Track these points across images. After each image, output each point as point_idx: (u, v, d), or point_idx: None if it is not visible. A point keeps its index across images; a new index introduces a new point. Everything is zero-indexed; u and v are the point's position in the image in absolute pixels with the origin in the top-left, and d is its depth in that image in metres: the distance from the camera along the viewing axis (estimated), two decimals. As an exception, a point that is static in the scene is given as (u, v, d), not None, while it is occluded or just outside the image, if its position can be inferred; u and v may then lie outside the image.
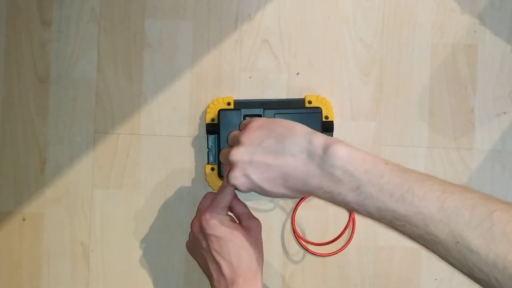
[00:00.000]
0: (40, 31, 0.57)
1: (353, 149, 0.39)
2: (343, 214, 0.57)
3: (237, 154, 0.43)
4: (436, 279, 0.58)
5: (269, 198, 0.57)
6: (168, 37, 0.57)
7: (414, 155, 0.58)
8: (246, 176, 0.42)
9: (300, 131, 0.42)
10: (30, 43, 0.57)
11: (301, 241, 0.57)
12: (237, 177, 0.43)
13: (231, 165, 0.43)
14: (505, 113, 0.58)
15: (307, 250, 0.57)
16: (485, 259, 0.34)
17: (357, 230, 0.58)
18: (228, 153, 0.44)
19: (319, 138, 0.40)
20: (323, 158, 0.39)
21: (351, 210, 0.40)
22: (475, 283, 0.36)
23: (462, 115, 0.58)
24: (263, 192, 0.43)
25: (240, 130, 0.48)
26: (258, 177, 0.42)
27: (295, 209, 0.57)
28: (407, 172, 0.38)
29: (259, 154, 0.42)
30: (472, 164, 0.58)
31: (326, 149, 0.39)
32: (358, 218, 0.57)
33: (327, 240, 0.57)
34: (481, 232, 0.34)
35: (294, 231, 0.57)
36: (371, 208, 0.38)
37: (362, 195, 0.38)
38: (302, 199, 0.57)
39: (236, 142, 0.44)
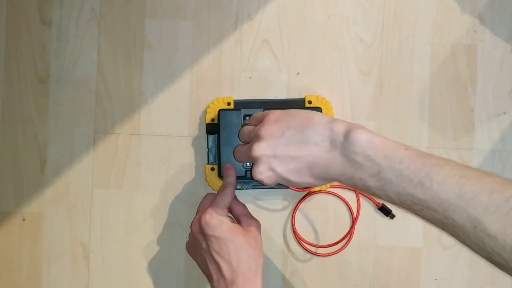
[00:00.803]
0: (40, 31, 0.57)
1: (373, 135, 0.39)
2: (344, 214, 0.57)
3: (260, 149, 0.43)
4: (436, 279, 0.58)
5: (269, 198, 0.57)
6: (168, 37, 0.57)
7: (414, 155, 0.58)
8: (272, 170, 0.42)
9: (320, 120, 0.42)
10: (30, 43, 0.57)
11: (302, 242, 0.57)
12: (262, 172, 0.43)
13: (254, 161, 0.43)
14: (505, 113, 0.58)
15: (308, 250, 0.57)
16: (502, 244, 0.34)
17: (357, 230, 0.58)
18: (249, 149, 0.43)
19: (340, 125, 0.41)
20: (344, 145, 0.40)
21: (373, 195, 0.40)
22: (494, 267, 0.36)
23: (462, 115, 0.58)
24: (288, 183, 0.43)
25: (252, 125, 0.48)
26: (283, 169, 0.42)
27: (294, 210, 0.57)
28: (426, 157, 0.38)
29: (282, 146, 0.42)
30: (472, 164, 0.58)
31: (347, 135, 0.39)
32: (345, 222, 0.57)
33: (329, 242, 0.57)
34: (498, 217, 0.34)
35: (295, 232, 0.57)
36: (391, 193, 0.38)
37: (382, 181, 0.38)
38: (301, 200, 0.57)
39: (255, 137, 0.44)
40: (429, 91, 0.58)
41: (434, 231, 0.57)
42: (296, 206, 0.57)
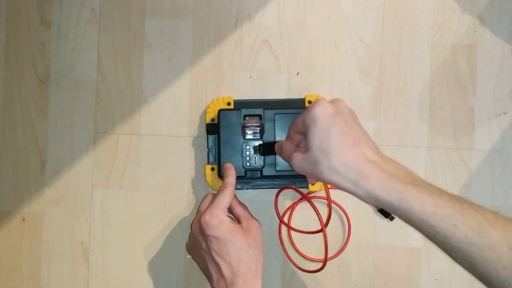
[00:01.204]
0: (40, 31, 0.57)
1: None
2: (341, 215, 0.57)
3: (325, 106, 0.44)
4: (436, 279, 0.58)
5: (269, 198, 0.57)
6: (168, 37, 0.57)
7: (414, 155, 0.58)
8: (332, 116, 0.43)
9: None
10: (30, 43, 0.57)
11: (299, 254, 0.57)
12: (323, 106, 0.43)
13: (315, 104, 0.43)
14: (505, 113, 0.58)
15: (304, 256, 0.57)
16: None
17: (357, 230, 0.58)
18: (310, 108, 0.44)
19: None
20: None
21: (397, 201, 0.39)
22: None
23: (462, 115, 0.58)
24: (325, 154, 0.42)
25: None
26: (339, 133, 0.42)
27: (290, 214, 0.57)
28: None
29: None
30: (472, 164, 0.58)
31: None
32: (353, 223, 0.57)
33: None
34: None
35: (293, 245, 0.57)
36: (427, 202, 0.38)
37: (422, 190, 0.39)
38: (291, 211, 0.57)
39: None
40: (429, 91, 0.58)
41: (434, 231, 0.57)
42: (291, 213, 0.57)
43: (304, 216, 0.57)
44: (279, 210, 0.57)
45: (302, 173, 0.44)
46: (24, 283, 0.57)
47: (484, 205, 0.57)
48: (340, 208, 0.57)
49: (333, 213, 0.57)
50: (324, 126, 0.42)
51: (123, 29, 0.57)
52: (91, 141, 0.57)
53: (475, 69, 0.58)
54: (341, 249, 0.57)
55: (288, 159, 0.46)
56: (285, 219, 0.57)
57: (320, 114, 0.42)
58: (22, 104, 0.57)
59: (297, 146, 0.47)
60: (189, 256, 0.54)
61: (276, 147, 0.50)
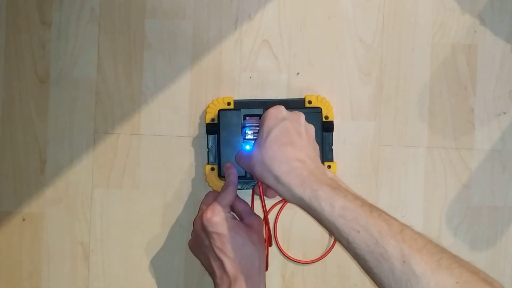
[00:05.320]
0: (40, 31, 0.57)
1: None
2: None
3: None
4: (436, 279, 0.58)
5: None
6: (168, 37, 0.57)
7: (414, 155, 0.58)
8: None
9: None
10: (30, 43, 0.57)
11: (287, 255, 0.57)
12: None
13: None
14: (505, 113, 0.58)
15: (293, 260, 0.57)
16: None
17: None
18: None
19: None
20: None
21: (309, 200, 0.40)
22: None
23: (462, 115, 0.58)
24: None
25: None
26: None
27: (275, 226, 0.57)
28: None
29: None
30: (472, 164, 0.58)
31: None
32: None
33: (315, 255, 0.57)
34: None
35: (279, 248, 0.57)
36: (337, 203, 0.38)
37: (337, 192, 0.39)
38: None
39: None
40: (429, 91, 0.58)
41: (434, 231, 0.57)
42: (275, 223, 0.57)
43: (290, 214, 0.57)
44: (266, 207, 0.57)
45: (244, 169, 0.49)
46: (24, 283, 0.57)
47: (484, 205, 0.58)
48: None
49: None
50: (269, 125, 0.44)
51: (123, 29, 0.57)
52: (91, 141, 0.57)
53: (475, 69, 0.58)
54: (327, 251, 0.57)
55: (242, 160, 0.49)
56: (273, 215, 0.57)
57: (271, 115, 0.45)
58: (22, 104, 0.57)
59: None
60: (189, 256, 0.54)
61: (236, 158, 0.51)
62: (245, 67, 0.58)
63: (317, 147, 0.47)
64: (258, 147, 0.44)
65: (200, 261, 0.50)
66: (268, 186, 0.44)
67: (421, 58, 0.58)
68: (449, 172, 0.58)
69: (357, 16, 0.58)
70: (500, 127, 0.58)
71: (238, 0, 0.58)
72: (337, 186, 0.40)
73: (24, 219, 0.57)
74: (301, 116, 0.47)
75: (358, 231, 0.37)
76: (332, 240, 0.57)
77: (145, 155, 0.57)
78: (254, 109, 0.53)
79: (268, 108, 0.48)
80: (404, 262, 0.34)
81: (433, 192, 0.58)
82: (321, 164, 0.44)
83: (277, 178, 0.41)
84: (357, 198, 0.39)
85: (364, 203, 0.39)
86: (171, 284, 0.57)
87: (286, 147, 0.43)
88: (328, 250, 0.57)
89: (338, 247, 0.57)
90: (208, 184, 0.55)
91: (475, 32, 0.58)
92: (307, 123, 0.47)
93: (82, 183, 0.57)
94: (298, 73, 0.58)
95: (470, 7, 0.58)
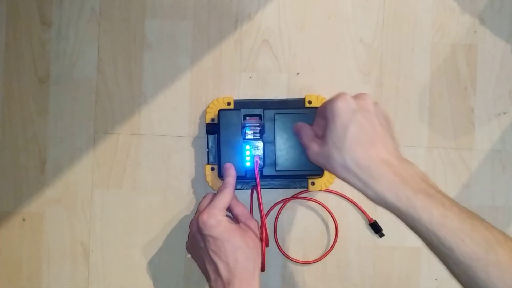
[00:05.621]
0: (40, 31, 0.57)
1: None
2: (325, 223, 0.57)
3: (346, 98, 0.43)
4: (436, 279, 0.58)
5: (269, 198, 0.57)
6: (168, 37, 0.57)
7: (414, 155, 0.58)
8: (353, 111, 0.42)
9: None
10: (30, 43, 0.57)
11: (286, 254, 0.57)
12: (345, 101, 0.43)
13: (337, 98, 0.43)
14: (505, 113, 0.58)
15: (293, 260, 0.57)
16: None
17: (357, 230, 0.58)
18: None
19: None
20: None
21: (405, 208, 0.39)
22: None
23: (462, 115, 0.58)
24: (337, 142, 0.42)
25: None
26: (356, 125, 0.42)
27: (276, 217, 0.57)
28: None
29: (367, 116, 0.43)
30: (472, 164, 0.58)
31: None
32: (345, 222, 0.58)
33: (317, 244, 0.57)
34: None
35: (279, 248, 0.57)
36: (437, 212, 0.38)
37: (433, 200, 0.39)
38: (282, 206, 0.57)
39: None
40: (429, 91, 0.58)
41: (434, 231, 0.57)
42: (277, 215, 0.57)
43: (290, 214, 0.57)
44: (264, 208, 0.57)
45: (315, 164, 0.45)
46: (24, 283, 0.57)
47: (484, 205, 0.58)
48: (326, 209, 0.57)
49: (324, 214, 0.57)
50: (342, 122, 0.41)
51: (123, 29, 0.57)
52: (91, 141, 0.57)
53: (475, 69, 0.58)
54: (327, 251, 0.57)
55: (304, 146, 0.46)
56: (272, 217, 0.57)
57: (341, 110, 0.42)
58: (22, 104, 0.57)
59: (317, 136, 0.46)
60: (189, 256, 0.54)
61: (296, 127, 0.49)
62: (245, 67, 0.58)
63: (392, 131, 0.44)
64: (336, 147, 0.41)
65: (196, 262, 0.50)
66: (351, 186, 0.42)
67: (421, 58, 0.58)
68: (449, 172, 0.58)
69: (357, 16, 0.58)
70: (500, 127, 0.58)
71: (238, 0, 0.57)
72: (431, 193, 0.39)
73: (24, 219, 0.57)
74: (368, 102, 0.43)
75: (463, 240, 0.37)
76: (332, 240, 0.57)
77: (145, 155, 0.57)
78: (254, 109, 0.53)
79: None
80: None
81: (433, 192, 0.58)
82: (402, 156, 0.42)
83: (366, 184, 0.40)
84: (453, 204, 0.39)
85: (461, 210, 0.38)
86: (171, 284, 0.57)
87: (368, 148, 0.41)
88: (328, 250, 0.57)
89: (338, 247, 0.57)
90: (208, 184, 0.55)
91: (475, 32, 0.58)
92: (374, 104, 0.44)
93: (82, 183, 0.57)
94: (298, 73, 0.58)
95: (470, 7, 0.58)
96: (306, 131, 0.48)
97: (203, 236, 0.47)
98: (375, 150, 0.40)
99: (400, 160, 0.41)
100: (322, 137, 0.44)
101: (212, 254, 0.46)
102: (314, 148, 0.44)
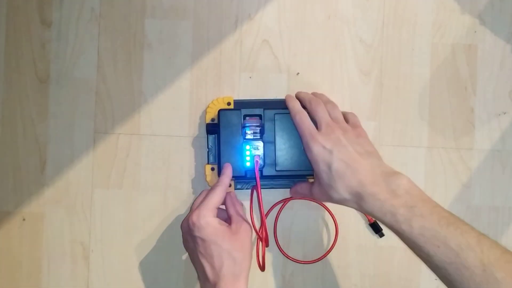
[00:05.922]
0: (40, 31, 0.57)
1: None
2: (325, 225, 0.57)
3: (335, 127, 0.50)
4: (436, 279, 0.58)
5: (269, 197, 0.57)
6: (168, 37, 0.57)
7: (414, 155, 0.58)
8: (336, 144, 0.47)
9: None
10: (30, 43, 0.57)
11: (287, 254, 0.57)
12: (324, 141, 0.48)
13: (322, 125, 0.49)
14: (505, 113, 0.58)
15: (292, 260, 0.57)
16: None
17: (357, 230, 0.58)
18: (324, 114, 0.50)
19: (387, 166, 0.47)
20: (389, 178, 0.45)
21: (387, 222, 0.44)
22: None
23: (462, 115, 0.58)
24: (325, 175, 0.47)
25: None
26: (342, 154, 0.47)
27: (276, 218, 0.57)
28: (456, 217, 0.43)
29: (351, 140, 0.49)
30: (472, 164, 0.58)
31: (394, 173, 0.45)
32: (345, 223, 0.57)
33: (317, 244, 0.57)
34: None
35: (280, 249, 0.57)
36: (415, 224, 0.42)
37: (412, 212, 0.42)
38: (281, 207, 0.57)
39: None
40: (429, 91, 0.58)
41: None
42: (277, 217, 0.57)
43: (290, 214, 0.57)
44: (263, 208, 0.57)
45: (322, 201, 0.54)
46: (24, 283, 0.57)
47: (484, 205, 0.58)
48: (326, 209, 0.57)
49: (324, 214, 0.57)
50: (325, 165, 0.46)
51: (123, 29, 0.57)
52: (91, 141, 0.57)
53: (475, 69, 0.58)
54: (327, 251, 0.57)
55: (308, 195, 0.51)
56: (272, 217, 0.57)
57: (318, 156, 0.47)
58: (22, 104, 0.57)
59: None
60: (189, 256, 0.54)
61: (292, 193, 0.55)
62: (245, 67, 0.58)
63: (369, 145, 0.49)
64: (330, 186, 0.46)
65: (191, 261, 0.51)
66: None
67: (421, 58, 0.58)
68: (449, 172, 0.58)
69: (357, 16, 0.58)
70: (500, 127, 0.58)
71: (238, 0, 0.57)
72: (413, 205, 0.43)
73: (24, 219, 0.57)
74: (338, 133, 0.48)
75: (438, 246, 0.41)
76: (332, 240, 0.57)
77: (145, 155, 0.57)
78: (254, 109, 0.53)
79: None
80: (484, 270, 0.39)
81: (433, 192, 0.58)
82: (387, 169, 0.46)
83: (360, 206, 0.45)
84: (432, 212, 0.42)
85: (440, 217, 0.42)
86: (171, 284, 0.57)
87: (354, 177, 0.45)
88: (328, 250, 0.57)
89: (338, 247, 0.57)
90: (208, 184, 0.55)
91: (475, 32, 0.58)
92: (344, 132, 0.48)
93: (82, 183, 0.57)
94: (298, 73, 0.58)
95: (470, 7, 0.58)
96: (300, 187, 0.53)
97: (193, 237, 0.47)
98: (360, 176, 0.45)
99: (384, 175, 0.45)
100: (316, 180, 0.49)
101: (200, 256, 0.47)
102: (315, 189, 0.49)
